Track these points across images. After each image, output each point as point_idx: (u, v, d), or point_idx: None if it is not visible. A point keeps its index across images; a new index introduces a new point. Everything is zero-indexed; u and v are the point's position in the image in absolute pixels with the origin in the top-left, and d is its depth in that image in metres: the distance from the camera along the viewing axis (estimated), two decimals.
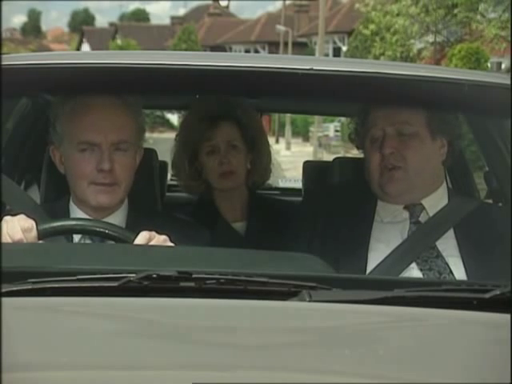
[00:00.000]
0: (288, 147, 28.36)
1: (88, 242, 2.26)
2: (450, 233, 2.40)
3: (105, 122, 2.28)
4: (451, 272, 2.34)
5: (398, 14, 21.13)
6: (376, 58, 21.34)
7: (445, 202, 2.46)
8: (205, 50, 39.59)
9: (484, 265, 2.31)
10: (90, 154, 2.26)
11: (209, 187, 3.07)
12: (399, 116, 2.41)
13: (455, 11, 19.98)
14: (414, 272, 2.33)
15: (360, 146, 2.54)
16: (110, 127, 2.27)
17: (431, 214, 2.43)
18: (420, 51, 22.69)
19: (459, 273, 2.33)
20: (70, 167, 2.30)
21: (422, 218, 2.44)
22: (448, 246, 2.38)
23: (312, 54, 37.00)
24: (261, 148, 3.10)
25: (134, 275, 1.65)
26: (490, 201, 3.22)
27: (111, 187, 2.27)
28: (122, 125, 2.30)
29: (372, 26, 22.06)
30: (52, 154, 2.36)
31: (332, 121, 26.40)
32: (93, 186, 2.26)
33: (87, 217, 2.31)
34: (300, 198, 3.59)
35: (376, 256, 2.37)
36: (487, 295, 1.68)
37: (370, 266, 2.36)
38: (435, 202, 2.45)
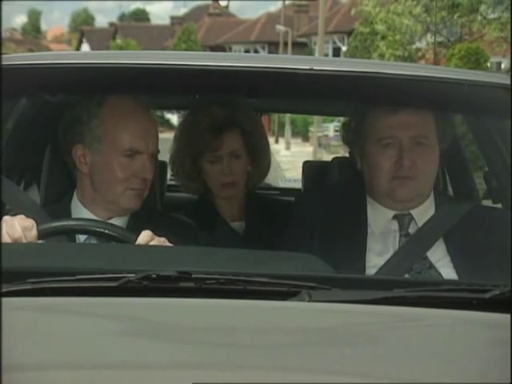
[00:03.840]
0: (288, 147, 28.37)
1: (93, 242, 2.26)
2: (440, 242, 2.40)
3: (149, 131, 2.35)
4: None
5: (399, 15, 21.13)
6: (380, 58, 21.33)
7: (432, 208, 2.46)
8: (204, 50, 39.60)
9: (476, 270, 2.31)
10: (131, 160, 2.30)
11: (207, 189, 3.06)
12: (417, 129, 2.39)
13: (455, 15, 19.98)
14: None
15: (356, 148, 2.52)
16: (152, 137, 2.36)
17: (420, 224, 2.42)
18: (420, 51, 22.70)
19: None
20: (107, 170, 2.31)
21: (412, 229, 2.43)
22: (440, 256, 2.38)
23: (312, 54, 37.01)
24: (262, 153, 3.09)
25: (133, 275, 1.65)
26: (489, 201, 3.22)
27: (142, 192, 2.34)
28: (156, 135, 2.39)
29: (379, 27, 22.01)
30: (75, 152, 2.34)
31: (332, 121, 26.37)
32: (129, 191, 2.30)
33: (94, 217, 2.31)
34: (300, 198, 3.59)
35: (368, 266, 2.37)
36: (487, 295, 1.68)
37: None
38: (424, 210, 2.44)
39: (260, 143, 3.07)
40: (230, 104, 2.98)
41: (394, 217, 2.44)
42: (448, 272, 2.35)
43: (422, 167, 2.39)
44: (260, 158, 3.08)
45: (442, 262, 2.37)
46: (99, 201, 2.34)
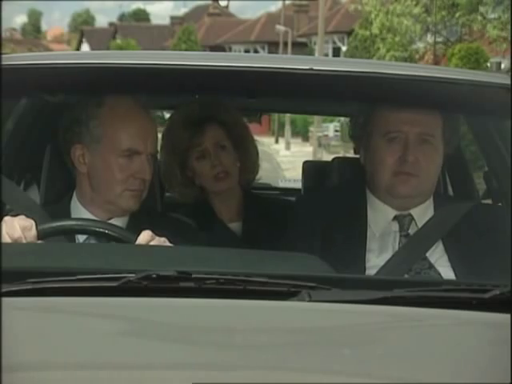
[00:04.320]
0: (288, 147, 28.37)
1: (93, 242, 2.26)
2: (438, 241, 2.40)
3: (147, 131, 2.34)
4: None
5: (399, 15, 21.13)
6: (379, 59, 21.33)
7: (432, 209, 2.46)
8: (204, 50, 39.60)
9: (475, 270, 2.31)
10: (130, 161, 2.30)
11: (203, 191, 3.07)
12: (424, 126, 2.39)
13: (457, 14, 19.99)
14: None
15: (364, 143, 2.52)
16: (151, 137, 2.35)
17: (419, 225, 2.42)
18: (418, 53, 22.71)
19: None
20: (106, 171, 2.31)
21: (411, 230, 2.43)
22: (438, 256, 2.38)
23: (312, 53, 37.02)
24: (247, 145, 3.11)
25: (133, 275, 1.65)
26: (489, 201, 3.22)
27: (141, 192, 2.33)
28: (155, 136, 2.40)
29: (376, 27, 21.99)
30: (73, 151, 2.34)
31: (332, 121, 26.39)
32: (127, 191, 2.30)
33: (93, 217, 2.31)
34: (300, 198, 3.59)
35: (369, 267, 2.37)
36: (487, 295, 1.68)
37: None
38: (424, 211, 2.44)
39: (243, 135, 3.09)
40: (207, 101, 3.02)
41: (395, 218, 2.44)
42: (447, 272, 2.35)
43: (425, 165, 2.39)
44: (247, 151, 3.09)
45: (440, 262, 2.37)
46: (98, 201, 2.34)
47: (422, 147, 2.38)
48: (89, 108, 2.32)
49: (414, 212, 2.44)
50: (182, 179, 3.04)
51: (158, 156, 2.88)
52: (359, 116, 2.55)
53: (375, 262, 2.36)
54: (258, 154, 3.18)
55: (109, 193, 2.31)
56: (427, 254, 2.37)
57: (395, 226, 2.44)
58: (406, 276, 2.30)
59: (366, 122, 2.49)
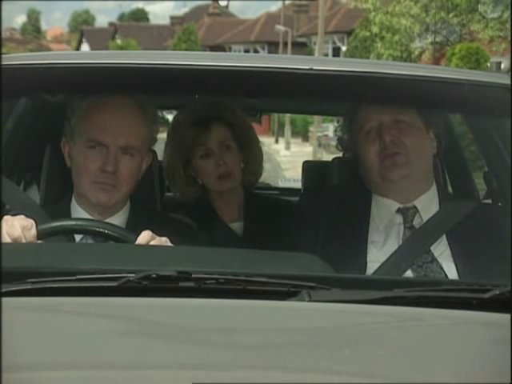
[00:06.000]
0: (287, 147, 28.37)
1: (90, 242, 2.26)
2: (442, 237, 2.40)
3: (117, 124, 2.31)
4: (446, 276, 2.34)
5: (398, 15, 21.12)
6: (377, 58, 21.32)
7: (436, 202, 2.47)
8: (204, 50, 39.59)
9: (476, 268, 2.31)
10: (97, 152, 2.29)
11: (205, 190, 3.07)
12: (393, 109, 2.42)
13: (451, 14, 19.98)
14: None
15: (350, 146, 2.54)
16: (121, 130, 2.30)
17: (424, 217, 2.42)
18: (414, 53, 22.70)
19: (453, 277, 2.33)
20: (77, 162, 2.33)
21: (416, 222, 2.44)
22: (442, 250, 2.38)
23: (311, 53, 37.02)
24: (252, 146, 3.11)
25: (133, 275, 1.65)
26: (489, 201, 3.22)
27: (112, 187, 2.29)
28: (133, 130, 2.33)
29: (375, 28, 21.99)
30: (63, 146, 2.38)
31: (331, 121, 26.29)
32: (94, 184, 2.28)
33: (89, 217, 2.31)
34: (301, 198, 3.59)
35: (372, 260, 2.37)
36: (487, 295, 1.68)
37: (368, 269, 2.36)
38: (427, 203, 2.45)
39: (249, 136, 3.10)
40: (214, 101, 3.02)
41: (398, 210, 2.45)
42: (449, 266, 2.35)
43: (406, 142, 2.39)
44: (251, 152, 3.10)
45: (443, 256, 2.37)
46: (79, 197, 2.35)
47: (397, 127, 2.40)
48: (75, 103, 2.35)
49: (418, 204, 2.44)
50: (185, 178, 3.05)
51: (159, 157, 2.88)
52: (341, 126, 2.59)
53: (379, 256, 2.36)
54: (262, 156, 3.18)
55: (80, 185, 2.32)
56: (431, 248, 2.37)
57: (399, 219, 2.44)
58: (409, 270, 2.31)
59: (347, 130, 2.53)
